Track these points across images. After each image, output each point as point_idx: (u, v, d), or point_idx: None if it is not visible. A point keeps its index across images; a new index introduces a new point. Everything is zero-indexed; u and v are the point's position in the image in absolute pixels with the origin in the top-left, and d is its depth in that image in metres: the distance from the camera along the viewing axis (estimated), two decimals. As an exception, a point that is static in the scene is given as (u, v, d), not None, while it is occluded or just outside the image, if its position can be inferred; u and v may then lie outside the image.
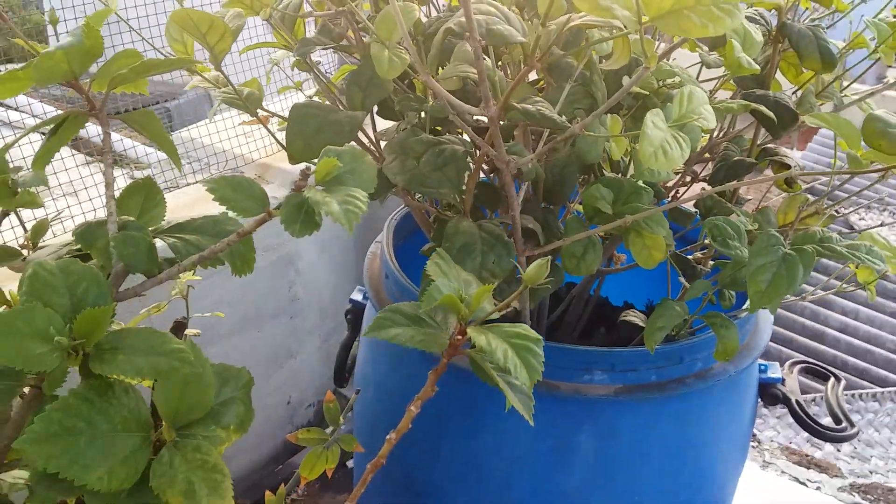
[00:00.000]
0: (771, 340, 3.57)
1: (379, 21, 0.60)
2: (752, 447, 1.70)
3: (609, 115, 0.59)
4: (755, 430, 2.21)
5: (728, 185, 0.72)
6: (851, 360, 3.22)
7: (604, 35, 0.67)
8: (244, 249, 0.54)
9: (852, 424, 0.96)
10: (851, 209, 3.37)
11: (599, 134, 0.66)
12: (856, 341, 3.26)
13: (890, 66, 0.71)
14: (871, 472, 2.76)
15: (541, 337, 0.49)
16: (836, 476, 1.60)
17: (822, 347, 3.26)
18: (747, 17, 0.75)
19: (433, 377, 0.49)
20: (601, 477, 0.86)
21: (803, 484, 1.53)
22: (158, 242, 0.53)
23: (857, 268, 0.80)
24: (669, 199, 0.88)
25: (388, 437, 0.50)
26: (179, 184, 1.34)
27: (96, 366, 0.45)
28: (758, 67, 0.59)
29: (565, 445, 0.85)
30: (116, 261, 0.50)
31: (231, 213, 0.47)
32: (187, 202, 1.30)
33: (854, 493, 1.55)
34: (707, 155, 0.88)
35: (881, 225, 1.37)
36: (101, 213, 1.14)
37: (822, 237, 0.63)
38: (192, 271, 0.53)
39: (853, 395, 3.09)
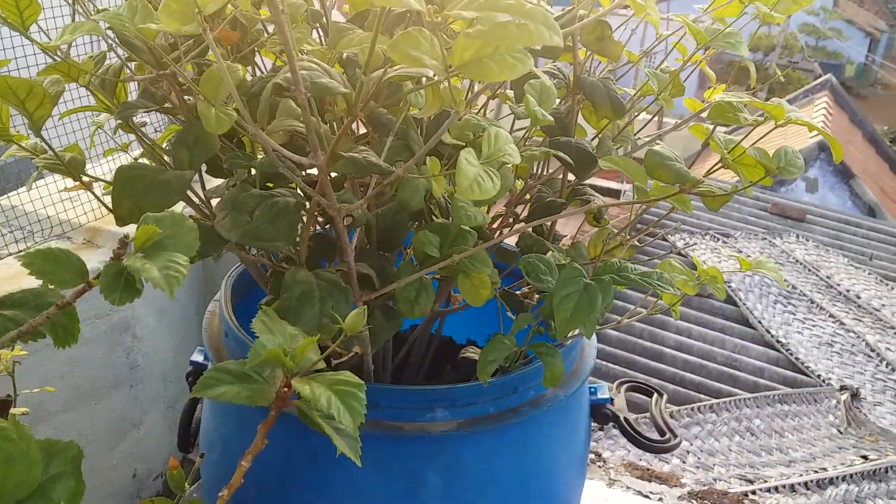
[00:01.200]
0: (614, 363, 3.77)
1: (204, 80, 0.62)
2: (598, 466, 1.79)
3: (428, 157, 0.63)
4: (603, 451, 2.33)
5: (540, 220, 0.79)
6: (688, 375, 3.47)
7: (415, 86, 0.72)
8: (66, 321, 0.53)
9: (675, 436, 1.05)
10: (682, 242, 3.65)
11: (420, 178, 0.71)
12: (691, 357, 3.51)
13: (670, 110, 0.81)
14: (715, 480, 2.97)
15: (362, 381, 0.52)
16: (675, 486, 1.72)
17: (661, 366, 3.48)
18: (547, 72, 0.83)
19: (262, 430, 0.51)
20: (449, 507, 0.89)
21: (647, 497, 1.64)
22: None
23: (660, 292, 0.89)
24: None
25: (220, 493, 0.51)
26: (1, 254, 1.28)
27: None
28: (551, 119, 0.65)
29: (415, 483, 0.88)
30: (-74, 342, 0.48)
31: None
32: (10, 274, 1.24)
33: (692, 500, 1.67)
34: (527, 197, 0.95)
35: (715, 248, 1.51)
36: None
37: (619, 267, 0.70)
38: (11, 347, 0.52)
39: (692, 409, 3.31)
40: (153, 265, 0.44)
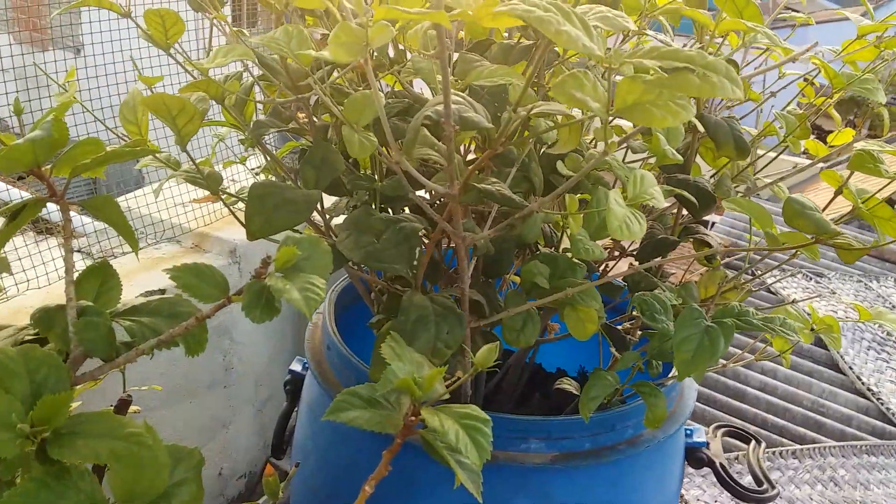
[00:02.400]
0: (695, 401, 3.66)
1: (348, 106, 0.63)
2: (679, 507, 1.74)
3: (567, 195, 0.63)
4: (686, 492, 2.27)
5: (654, 262, 0.78)
6: (771, 418, 3.34)
7: (551, 124, 0.72)
8: (199, 331, 0.55)
9: (773, 486, 1.01)
10: (773, 279, 3.55)
11: (541, 214, 0.71)
12: (775, 399, 3.38)
13: (797, 153, 0.78)
14: (793, 529, 2.85)
15: (489, 418, 0.52)
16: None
17: (744, 406, 3.37)
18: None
19: (388, 457, 0.51)
20: (539, 542, 0.88)
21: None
22: (115, 325, 0.54)
23: (772, 338, 0.86)
24: (600, 273, 0.94)
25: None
26: (115, 253, 1.34)
27: (55, 451, 0.46)
28: (681, 158, 0.64)
29: (501, 513, 0.87)
30: (76, 346, 0.51)
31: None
32: (124, 273, 1.29)
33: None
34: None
35: (817, 296, 1.46)
36: (49, 290, 1.12)
37: (739, 311, 0.68)
38: (151, 352, 0.54)
39: (773, 453, 3.19)
40: (293, 286, 0.45)
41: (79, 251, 1.40)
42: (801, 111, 0.82)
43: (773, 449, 3.21)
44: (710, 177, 0.86)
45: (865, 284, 3.68)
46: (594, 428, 0.86)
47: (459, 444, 0.48)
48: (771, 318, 0.68)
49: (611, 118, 0.49)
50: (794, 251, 0.73)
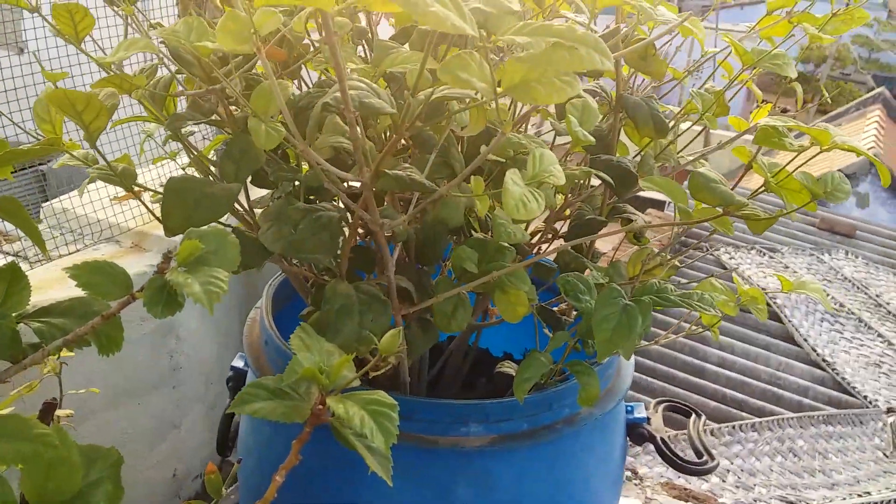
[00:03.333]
0: (653, 378, 3.73)
1: (255, 96, 0.63)
2: (635, 484, 1.77)
3: (473, 177, 0.64)
4: (641, 468, 2.30)
5: (580, 239, 0.79)
6: (730, 392, 3.40)
7: (461, 106, 0.72)
8: (111, 330, 0.55)
9: (712, 458, 1.03)
10: (727, 255, 3.60)
11: (462, 197, 0.71)
12: (733, 374, 3.45)
13: (714, 130, 0.80)
14: (755, 500, 2.91)
15: (395, 402, 0.52)
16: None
17: (703, 382, 3.42)
18: (588, 91, 0.83)
19: (297, 446, 0.52)
20: (480, 523, 0.89)
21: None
22: (24, 327, 0.54)
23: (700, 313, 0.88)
24: (533, 256, 0.94)
25: (257, 504, 0.52)
26: (52, 256, 1.31)
27: (-41, 455, 0.45)
28: (593, 140, 0.65)
29: (445, 496, 0.88)
30: (-22, 349, 0.50)
31: (96, 295, 0.49)
32: (60, 276, 1.27)
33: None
34: (566, 213, 0.95)
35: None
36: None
37: (658, 288, 0.69)
38: (58, 353, 0.53)
39: (733, 427, 3.25)
40: (195, 280, 0.45)
41: (15, 255, 1.37)
42: (718, 88, 0.84)
43: (733, 423, 3.27)
44: (635, 156, 0.87)
45: (818, 258, 3.76)
46: (531, 409, 0.87)
47: (365, 429, 0.48)
48: (689, 294, 0.70)
49: (501, 97, 0.49)
50: (712, 228, 0.74)
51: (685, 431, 2.24)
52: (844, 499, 2.90)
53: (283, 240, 0.68)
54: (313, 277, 0.79)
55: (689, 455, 1.05)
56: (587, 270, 0.80)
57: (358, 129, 0.63)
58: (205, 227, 0.50)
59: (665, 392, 3.49)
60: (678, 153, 0.88)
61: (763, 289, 3.40)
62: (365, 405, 0.50)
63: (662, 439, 1.04)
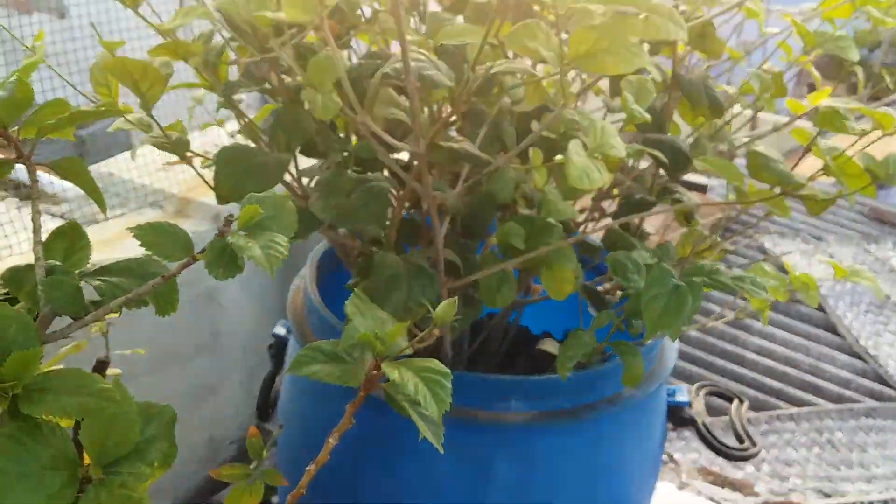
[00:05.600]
0: (692, 364, 3.71)
1: (311, 68, 0.63)
2: (671, 469, 1.76)
3: (531, 149, 0.63)
4: (675, 452, 2.29)
5: (628, 217, 0.78)
6: (769, 381, 3.35)
7: (515, 81, 0.72)
8: (168, 290, 0.56)
9: (754, 444, 1.02)
10: (771, 243, 3.54)
11: (516, 169, 0.71)
12: (772, 363, 3.40)
13: (771, 112, 0.78)
14: (789, 491, 2.88)
15: (448, 370, 0.52)
16: (749, 494, 1.67)
17: (742, 370, 3.38)
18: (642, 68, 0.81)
19: (350, 409, 0.52)
20: (519, 499, 0.89)
21: (717, 503, 1.60)
22: (85, 285, 0.55)
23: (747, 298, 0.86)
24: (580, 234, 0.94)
25: (307, 468, 0.52)
26: (98, 219, 1.34)
27: (25, 406, 0.46)
28: (648, 117, 0.64)
29: (484, 471, 0.88)
30: (44, 304, 0.51)
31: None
32: (107, 238, 1.29)
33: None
34: (614, 192, 0.94)
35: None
36: (29, 255, 1.13)
37: (710, 269, 0.68)
38: (119, 311, 0.54)
39: (771, 417, 3.21)
40: (256, 244, 0.46)
41: (61, 217, 1.40)
42: (777, 70, 0.82)
43: (771, 412, 3.23)
44: (688, 137, 0.86)
45: (864, 248, 3.67)
46: (573, 387, 0.86)
47: (419, 396, 0.48)
48: (741, 276, 0.69)
49: (568, 68, 0.49)
50: (767, 211, 0.73)
51: (724, 418, 2.21)
52: (881, 492, 2.86)
53: (333, 209, 0.68)
54: (360, 248, 0.79)
55: (731, 441, 1.05)
56: (635, 251, 0.79)
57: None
58: (263, 193, 0.50)
59: (703, 379, 3.45)
60: (732, 134, 0.87)
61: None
62: (419, 372, 0.50)
63: (704, 423, 1.04)
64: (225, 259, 0.46)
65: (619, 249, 0.86)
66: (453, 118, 0.81)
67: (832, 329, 3.33)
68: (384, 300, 0.67)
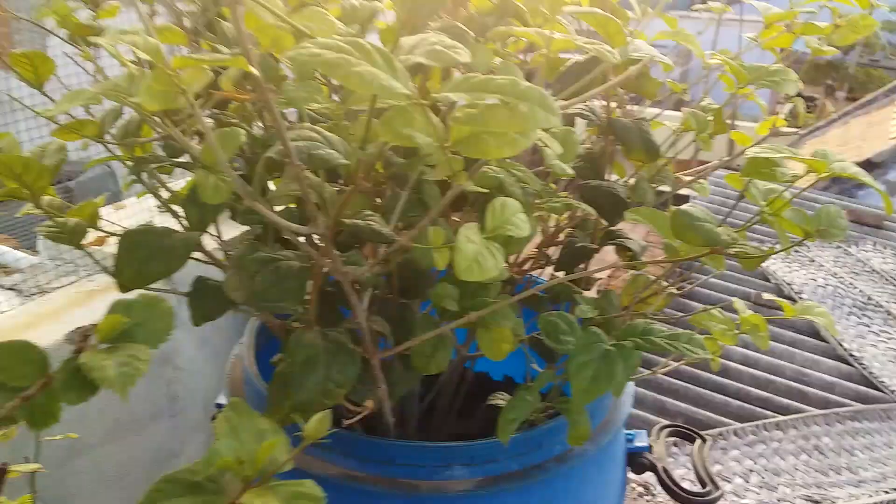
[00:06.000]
0: (676, 378, 3.65)
1: (204, 149, 0.59)
2: (647, 501, 1.71)
3: (431, 228, 0.60)
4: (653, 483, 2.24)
5: (575, 275, 0.74)
6: (754, 391, 3.32)
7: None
8: (46, 401, 0.51)
9: (717, 487, 0.98)
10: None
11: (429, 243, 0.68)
12: (757, 372, 3.37)
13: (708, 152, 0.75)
14: (779, 501, 2.85)
15: (322, 495, 0.48)
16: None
17: (726, 381, 3.35)
18: (577, 114, 0.78)
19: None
20: (475, 570, 0.85)
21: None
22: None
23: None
24: (524, 286, 0.90)
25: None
26: (46, 288, 1.30)
27: None
28: (572, 173, 0.61)
29: (431, 545, 0.84)
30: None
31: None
32: (54, 309, 1.25)
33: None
34: (561, 236, 0.90)
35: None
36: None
37: (644, 329, 0.65)
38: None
39: (757, 426, 3.18)
40: (112, 361, 0.42)
41: (11, 287, 1.36)
42: (716, 105, 0.79)
43: (757, 422, 3.20)
44: (627, 178, 0.83)
45: (844, 250, 3.66)
46: (519, 448, 0.83)
47: (288, 531, 0.44)
48: (677, 334, 0.65)
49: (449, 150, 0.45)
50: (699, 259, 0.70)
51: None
52: (871, 496, 2.82)
53: (245, 289, 0.65)
54: (281, 325, 0.75)
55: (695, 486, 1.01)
56: (575, 307, 0.76)
57: (316, 177, 0.59)
58: (134, 296, 0.47)
59: (687, 392, 3.41)
60: (677, 175, 0.83)
61: (789, 283, 3.32)
62: (289, 500, 0.46)
63: (664, 468, 1.00)
64: (79, 380, 0.42)
65: (563, 301, 0.82)
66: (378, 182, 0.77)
67: (816, 334, 3.31)
68: (300, 385, 0.63)
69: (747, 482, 2.99)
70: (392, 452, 0.80)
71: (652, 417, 3.19)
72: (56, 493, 1.24)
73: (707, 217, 0.62)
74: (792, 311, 0.78)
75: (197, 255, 0.76)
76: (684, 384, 3.24)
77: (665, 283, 0.81)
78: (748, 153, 0.62)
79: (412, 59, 0.43)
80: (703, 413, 3.24)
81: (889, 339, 3.37)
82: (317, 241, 0.67)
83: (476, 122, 0.38)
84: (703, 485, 0.98)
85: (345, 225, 0.59)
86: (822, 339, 3.34)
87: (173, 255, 0.64)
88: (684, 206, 0.63)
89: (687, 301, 3.48)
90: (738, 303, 0.78)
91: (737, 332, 0.79)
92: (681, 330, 0.67)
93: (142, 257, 0.63)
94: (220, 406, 1.04)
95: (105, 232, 0.75)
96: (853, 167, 0.60)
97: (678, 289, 0.84)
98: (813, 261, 3.60)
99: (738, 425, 3.13)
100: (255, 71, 0.43)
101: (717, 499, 0.96)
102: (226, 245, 0.80)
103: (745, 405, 3.21)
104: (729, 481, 3.05)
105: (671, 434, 1.06)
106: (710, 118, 0.76)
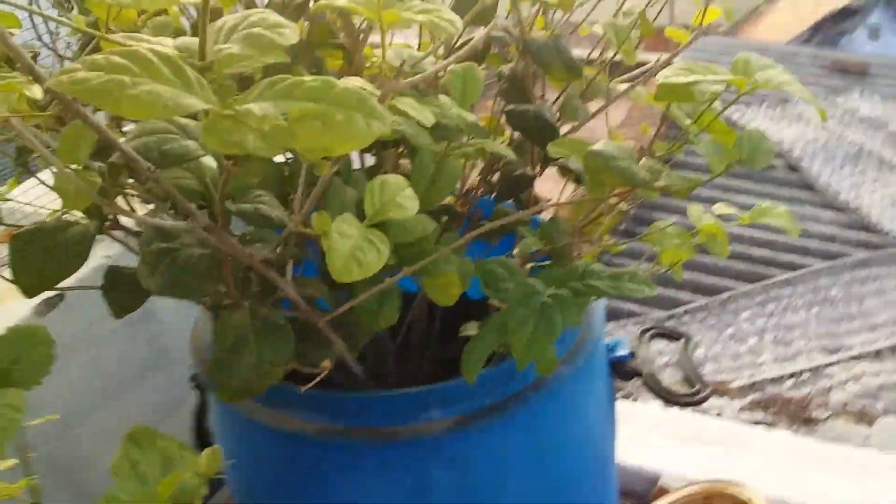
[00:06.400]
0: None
1: (62, 139, 0.54)
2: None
3: (314, 216, 0.55)
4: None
5: (509, 219, 0.70)
6: (757, 251, 3.32)
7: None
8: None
9: (706, 385, 0.97)
10: (738, 113, 3.41)
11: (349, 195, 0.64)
12: (757, 233, 3.35)
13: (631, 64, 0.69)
14: (796, 354, 2.89)
15: None
16: (735, 398, 1.64)
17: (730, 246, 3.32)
18: (493, 36, 0.72)
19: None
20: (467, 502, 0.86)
21: (704, 412, 1.58)
22: None
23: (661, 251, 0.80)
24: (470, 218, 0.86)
25: None
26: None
27: None
28: (474, 120, 0.56)
29: (420, 485, 0.84)
30: None
31: None
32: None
33: (754, 410, 1.60)
34: (501, 164, 0.86)
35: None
36: None
37: (584, 271, 0.61)
38: None
39: (766, 286, 3.19)
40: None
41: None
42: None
43: (765, 282, 3.20)
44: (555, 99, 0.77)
45: (832, 101, 3.54)
46: (490, 384, 0.81)
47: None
48: (619, 274, 0.62)
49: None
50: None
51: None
52: (888, 338, 2.85)
53: (158, 276, 0.61)
54: (211, 305, 0.72)
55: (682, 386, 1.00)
56: (520, 241, 0.72)
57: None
58: (11, 329, 0.44)
59: (690, 260, 3.39)
60: (609, 82, 0.77)
61: (779, 142, 3.24)
62: None
63: (650, 374, 0.98)
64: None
65: (508, 233, 0.79)
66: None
67: (811, 188, 3.26)
68: (231, 371, 0.61)
69: (762, 340, 3.02)
70: (365, 403, 0.79)
71: (657, 290, 3.20)
72: (64, 460, 1.26)
73: (622, 154, 0.57)
74: (747, 219, 0.74)
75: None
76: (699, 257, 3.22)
77: (613, 202, 0.76)
78: (658, 77, 0.56)
79: (225, 50, 0.38)
80: (710, 279, 3.25)
81: (885, 185, 3.32)
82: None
83: (287, 137, 0.33)
84: (691, 385, 0.97)
85: (230, 210, 0.55)
86: (818, 193, 3.29)
87: (69, 252, 0.60)
88: (597, 146, 0.58)
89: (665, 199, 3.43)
90: (693, 211, 0.74)
91: (694, 242, 0.75)
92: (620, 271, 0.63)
93: (38, 261, 0.60)
94: (193, 377, 1.03)
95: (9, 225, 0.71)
96: (780, 76, 0.54)
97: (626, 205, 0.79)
98: (801, 117, 3.51)
99: (746, 286, 3.13)
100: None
101: (707, 397, 0.95)
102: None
103: (750, 268, 3.21)
104: (744, 342, 3.09)
105: (654, 336, 1.04)
106: (636, 24, 0.69)
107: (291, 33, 0.38)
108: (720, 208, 0.67)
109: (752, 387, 2.28)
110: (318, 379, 0.78)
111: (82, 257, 0.62)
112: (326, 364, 0.77)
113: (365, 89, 0.36)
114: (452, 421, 0.81)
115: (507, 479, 0.87)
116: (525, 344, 0.60)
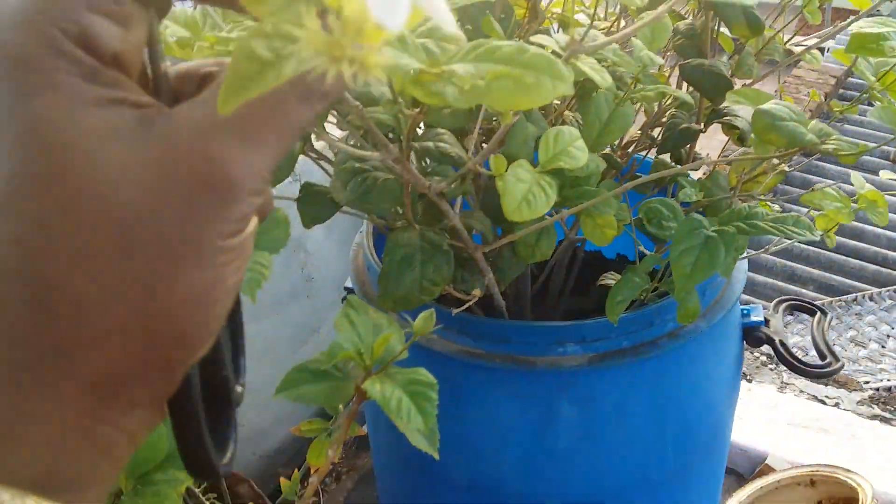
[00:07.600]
0: (807, 243, 3.51)
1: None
2: (770, 369, 1.71)
3: (493, 156, 0.60)
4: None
5: (666, 173, 0.73)
6: (892, 254, 3.17)
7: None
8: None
9: (837, 359, 0.98)
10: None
11: (531, 130, 0.68)
12: (895, 235, 3.19)
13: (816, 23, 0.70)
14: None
15: (435, 381, 0.52)
16: (854, 390, 1.61)
17: (862, 245, 3.20)
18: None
19: (347, 422, 0.54)
20: (586, 439, 0.90)
21: (822, 402, 1.55)
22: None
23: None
24: (629, 167, 0.90)
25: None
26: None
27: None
28: (661, 61, 0.59)
29: (548, 415, 0.89)
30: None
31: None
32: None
33: (873, 405, 1.56)
34: (664, 118, 0.89)
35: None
36: None
37: (748, 213, 0.64)
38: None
39: (895, 290, 3.04)
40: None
41: None
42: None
43: (894, 286, 3.05)
44: (731, 56, 0.79)
45: None
46: (629, 327, 0.85)
47: (402, 412, 0.49)
48: (783, 217, 0.64)
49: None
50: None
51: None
52: None
53: (348, 192, 0.69)
54: (384, 224, 0.79)
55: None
56: (680, 190, 0.75)
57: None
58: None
59: (819, 257, 3.28)
60: (785, 43, 0.79)
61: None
62: (405, 385, 0.50)
63: (782, 342, 0.99)
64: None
65: (668, 184, 0.82)
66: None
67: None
68: (397, 282, 0.67)
69: (883, 347, 2.90)
70: (507, 331, 0.85)
71: (780, 284, 3.12)
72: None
73: (791, 115, 0.59)
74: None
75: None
76: (816, 249, 3.12)
77: (776, 161, 0.78)
78: (853, 28, 0.58)
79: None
80: (836, 279, 3.13)
81: None
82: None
83: (482, 95, 0.37)
84: (823, 357, 0.98)
85: (414, 148, 0.61)
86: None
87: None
88: (765, 105, 0.60)
89: (822, 164, 3.28)
90: (856, 177, 0.75)
91: (853, 208, 0.76)
92: (786, 215, 0.65)
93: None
94: (348, 290, 1.11)
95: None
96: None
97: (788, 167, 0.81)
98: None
99: (874, 290, 3.00)
100: None
101: (838, 370, 0.95)
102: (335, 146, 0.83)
103: (882, 269, 3.07)
104: (864, 346, 2.97)
105: (790, 308, 1.05)
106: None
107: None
108: (886, 174, 0.68)
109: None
110: (465, 305, 0.84)
111: (286, 171, 0.69)
112: (476, 292, 0.84)
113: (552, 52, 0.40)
114: (587, 358, 0.86)
115: (627, 421, 0.90)
116: (687, 273, 0.63)
